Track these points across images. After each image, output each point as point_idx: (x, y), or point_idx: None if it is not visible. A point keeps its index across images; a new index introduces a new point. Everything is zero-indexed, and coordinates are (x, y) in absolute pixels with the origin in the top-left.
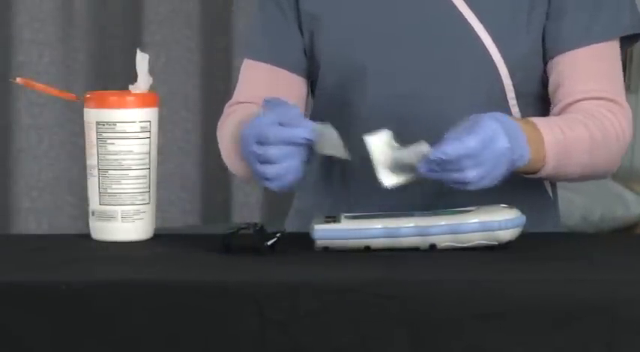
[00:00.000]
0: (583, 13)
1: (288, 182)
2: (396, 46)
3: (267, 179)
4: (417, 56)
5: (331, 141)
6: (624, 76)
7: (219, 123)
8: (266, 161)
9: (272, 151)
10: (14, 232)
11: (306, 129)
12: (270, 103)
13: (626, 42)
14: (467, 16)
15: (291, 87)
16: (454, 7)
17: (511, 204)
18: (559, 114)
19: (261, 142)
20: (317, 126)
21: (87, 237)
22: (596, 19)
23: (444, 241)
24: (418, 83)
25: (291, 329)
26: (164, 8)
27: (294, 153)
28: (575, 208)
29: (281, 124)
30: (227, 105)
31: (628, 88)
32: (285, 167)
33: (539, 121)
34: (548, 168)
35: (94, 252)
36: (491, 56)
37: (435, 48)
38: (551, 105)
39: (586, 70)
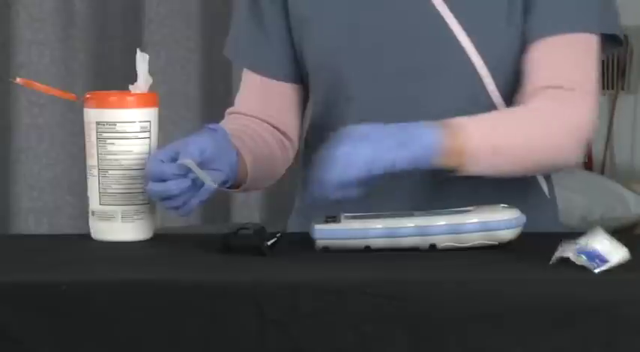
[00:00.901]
0: (552, 4)
1: (191, 209)
2: (379, 50)
3: (171, 209)
4: (398, 59)
5: (200, 173)
6: (624, 76)
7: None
8: (164, 198)
9: (160, 188)
10: (14, 232)
11: (175, 165)
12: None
13: (608, 47)
14: (448, 21)
15: (282, 96)
16: (436, 11)
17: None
18: (517, 102)
19: (149, 179)
20: (185, 160)
21: (87, 237)
22: (565, 10)
23: (444, 241)
24: (401, 85)
25: (291, 329)
26: (164, 8)
27: (184, 186)
28: (575, 208)
29: (164, 161)
30: (227, 111)
31: (628, 88)
32: (182, 199)
33: (468, 124)
34: (473, 169)
35: (94, 252)
36: (471, 59)
37: (415, 51)
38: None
39: (550, 58)
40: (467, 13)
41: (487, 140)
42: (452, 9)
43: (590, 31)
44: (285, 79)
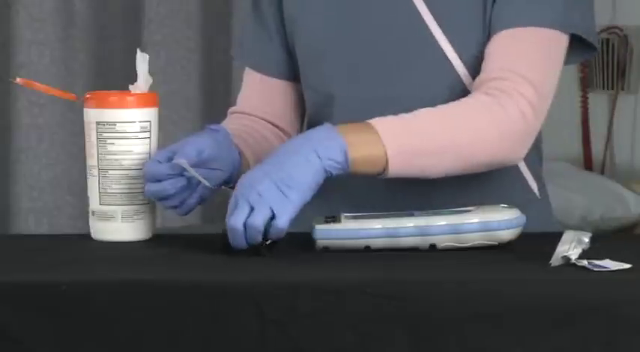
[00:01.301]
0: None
1: (189, 208)
2: (357, 49)
3: (170, 208)
4: (377, 59)
5: (192, 172)
6: (624, 76)
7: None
8: (161, 198)
9: (156, 188)
10: (14, 232)
11: (169, 165)
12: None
13: (588, 51)
14: (426, 20)
15: (281, 94)
16: (416, 10)
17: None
18: (474, 89)
19: (146, 179)
20: (178, 161)
21: (87, 237)
22: (524, 4)
23: (444, 241)
24: (380, 86)
25: (290, 329)
26: (164, 8)
27: (180, 185)
28: (575, 208)
29: (160, 162)
30: (229, 110)
31: (628, 88)
32: (178, 199)
33: (385, 128)
34: (397, 173)
35: (94, 252)
36: (449, 59)
37: (393, 51)
38: None
39: (502, 50)
40: (445, 13)
41: (405, 143)
42: (430, 9)
43: (550, 27)
44: (284, 77)
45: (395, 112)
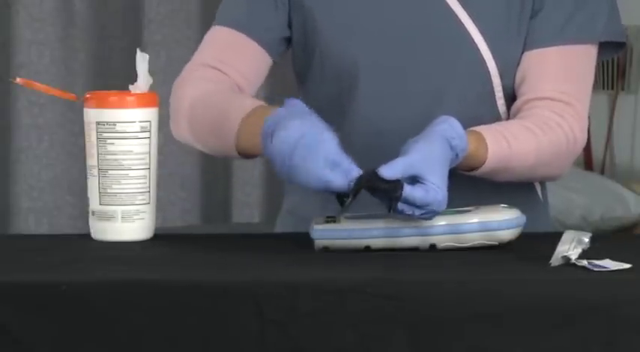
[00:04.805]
0: (559, 13)
1: None
2: (388, 43)
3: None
4: (408, 54)
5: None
6: (624, 76)
7: (178, 82)
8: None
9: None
10: (14, 232)
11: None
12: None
13: (609, 50)
14: (461, 17)
15: (253, 57)
16: (448, 7)
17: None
18: (519, 108)
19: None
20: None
21: (87, 237)
22: (572, 20)
23: (444, 241)
24: (408, 81)
25: (290, 329)
26: (164, 8)
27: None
28: (575, 208)
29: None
30: (187, 68)
31: (628, 88)
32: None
33: (487, 131)
34: (484, 171)
35: (94, 252)
36: (483, 57)
37: (427, 46)
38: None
39: (551, 69)
40: (480, 9)
41: (504, 158)
42: (465, 6)
43: (595, 42)
44: (269, 51)
45: (421, 107)
